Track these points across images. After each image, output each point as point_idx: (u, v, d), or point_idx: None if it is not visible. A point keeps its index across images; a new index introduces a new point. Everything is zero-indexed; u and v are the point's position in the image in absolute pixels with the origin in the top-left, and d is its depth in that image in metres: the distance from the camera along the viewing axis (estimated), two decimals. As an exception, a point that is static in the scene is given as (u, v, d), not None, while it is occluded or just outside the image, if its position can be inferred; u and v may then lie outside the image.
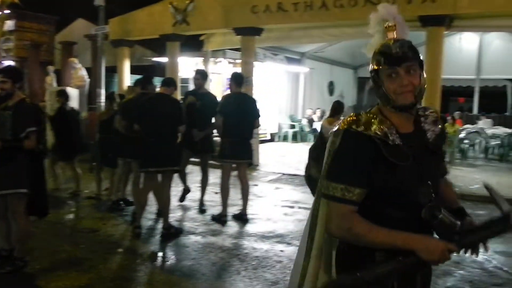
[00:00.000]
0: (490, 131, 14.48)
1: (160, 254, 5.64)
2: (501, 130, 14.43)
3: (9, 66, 6.28)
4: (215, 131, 7.22)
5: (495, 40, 18.26)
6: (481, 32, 17.40)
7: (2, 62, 19.38)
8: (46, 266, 5.12)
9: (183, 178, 7.66)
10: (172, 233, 6.23)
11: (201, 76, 7.43)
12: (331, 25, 12.15)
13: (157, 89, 6.86)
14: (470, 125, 16.02)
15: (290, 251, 5.70)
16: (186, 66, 14.56)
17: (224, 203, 6.94)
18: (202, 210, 7.51)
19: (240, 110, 6.70)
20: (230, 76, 7.15)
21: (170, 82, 6.47)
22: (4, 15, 15.73)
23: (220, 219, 6.86)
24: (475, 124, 16.16)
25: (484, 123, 15.90)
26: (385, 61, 2.00)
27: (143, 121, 6.18)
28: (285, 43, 15.77)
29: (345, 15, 10.60)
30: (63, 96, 8.43)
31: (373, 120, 1.96)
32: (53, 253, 5.51)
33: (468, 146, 13.92)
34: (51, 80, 16.54)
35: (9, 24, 18.09)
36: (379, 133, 1.92)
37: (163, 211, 6.37)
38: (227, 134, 6.77)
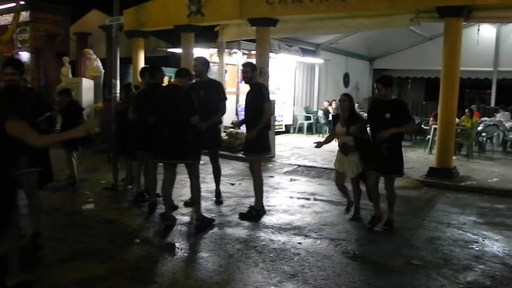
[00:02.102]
0: (508, 124, 14.30)
1: (177, 245, 5.61)
2: (520, 123, 14.26)
3: (15, 58, 6.43)
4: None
5: (513, 31, 18.04)
6: (499, 23, 17.15)
7: (18, 53, 19.52)
8: (64, 256, 5.12)
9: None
10: (206, 224, 6.23)
11: (201, 63, 7.14)
12: (347, 16, 12.04)
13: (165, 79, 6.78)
14: (488, 118, 15.83)
15: (308, 243, 5.65)
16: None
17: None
18: (219, 201, 7.48)
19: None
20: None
21: (183, 73, 6.40)
22: (19, 6, 15.78)
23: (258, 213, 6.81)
24: (493, 117, 15.97)
25: (502, 116, 15.71)
26: None
27: (156, 113, 6.17)
28: (300, 34, 15.64)
29: (362, 6, 10.47)
30: (66, 93, 8.79)
31: None
32: (70, 244, 5.51)
33: (486, 139, 13.74)
34: (66, 71, 16.62)
35: (24, 15, 18.14)
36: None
37: (194, 202, 6.40)
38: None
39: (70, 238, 5.71)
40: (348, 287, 4.50)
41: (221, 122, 7.57)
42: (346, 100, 6.60)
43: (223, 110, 7.10)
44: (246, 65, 6.98)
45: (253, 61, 11.50)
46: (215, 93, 7.00)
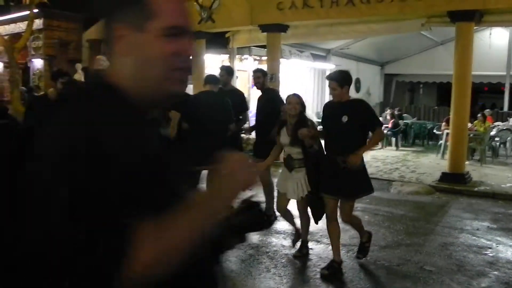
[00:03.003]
0: (521, 129, 14.19)
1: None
2: (533, 128, 14.13)
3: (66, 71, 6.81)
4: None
5: (526, 35, 17.91)
6: (511, 27, 17.05)
7: (31, 60, 19.73)
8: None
9: None
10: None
11: (226, 72, 7.19)
12: (357, 21, 12.06)
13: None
14: (501, 122, 15.71)
15: (320, 249, 5.65)
16: (212, 63, 14.57)
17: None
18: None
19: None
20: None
21: (216, 80, 6.41)
22: (33, 14, 15.96)
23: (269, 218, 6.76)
24: (506, 121, 15.85)
25: (515, 121, 15.60)
26: None
27: (191, 119, 6.12)
28: (311, 40, 15.67)
29: (372, 11, 10.47)
30: None
31: None
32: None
33: (499, 144, 13.64)
34: (79, 78, 16.75)
35: (38, 23, 18.36)
36: None
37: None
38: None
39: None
40: (360, 293, 4.49)
41: (241, 130, 7.55)
42: (294, 102, 5.27)
43: (245, 120, 7.13)
44: (257, 71, 7.03)
45: (264, 67, 11.54)
46: (238, 102, 7.00)
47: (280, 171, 5.51)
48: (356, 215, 5.33)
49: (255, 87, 7.26)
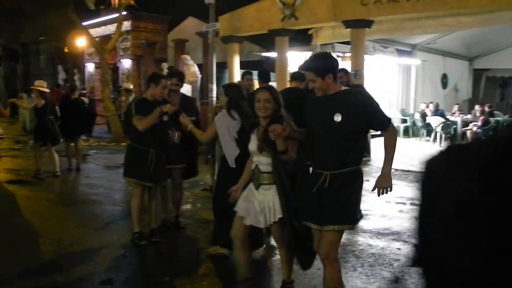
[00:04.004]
0: None
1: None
2: None
3: (179, 71, 7.32)
4: None
5: None
6: None
7: (120, 60, 20.60)
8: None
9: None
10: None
11: (344, 73, 6.93)
12: (446, 14, 11.63)
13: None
14: None
15: (408, 249, 5.49)
16: (295, 60, 14.56)
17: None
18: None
19: None
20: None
21: (301, 76, 6.43)
22: (121, 17, 16.68)
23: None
24: None
25: None
26: None
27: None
28: (396, 35, 15.28)
29: (462, 4, 10.05)
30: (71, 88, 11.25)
31: None
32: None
33: None
34: (165, 77, 17.29)
35: (126, 25, 19.17)
36: None
37: None
38: None
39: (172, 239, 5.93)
40: (452, 296, 4.31)
41: None
42: (264, 99, 3.87)
43: None
44: (339, 71, 6.92)
45: (348, 63, 11.39)
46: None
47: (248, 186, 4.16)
48: (338, 261, 3.78)
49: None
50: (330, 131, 3.47)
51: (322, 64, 3.55)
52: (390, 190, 3.57)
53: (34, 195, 8.23)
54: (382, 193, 3.57)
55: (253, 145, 3.96)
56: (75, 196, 8.50)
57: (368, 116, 3.48)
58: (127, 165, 5.60)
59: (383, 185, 3.53)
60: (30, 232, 6.15)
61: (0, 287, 4.41)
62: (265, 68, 6.80)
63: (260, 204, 3.91)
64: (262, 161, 3.91)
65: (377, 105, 3.58)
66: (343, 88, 3.64)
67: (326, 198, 3.49)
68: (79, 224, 6.46)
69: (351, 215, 3.59)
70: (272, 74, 8.60)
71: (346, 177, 3.49)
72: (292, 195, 3.78)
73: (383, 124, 3.59)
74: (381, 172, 3.58)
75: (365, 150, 7.02)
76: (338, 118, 3.42)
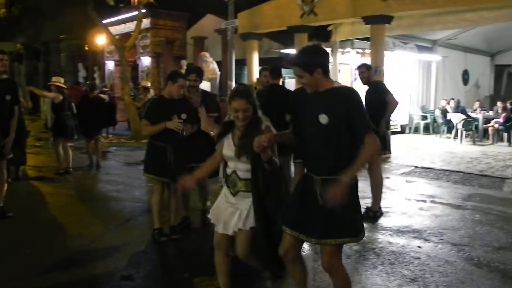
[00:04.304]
0: None
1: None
2: None
3: (198, 67, 6.96)
4: None
5: None
6: None
7: (140, 58, 20.74)
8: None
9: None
10: (378, 217, 6.47)
11: (366, 68, 6.95)
12: (467, 9, 11.49)
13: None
14: None
15: (428, 247, 5.45)
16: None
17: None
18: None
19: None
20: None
21: None
22: (141, 15, 16.79)
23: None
24: None
25: None
26: None
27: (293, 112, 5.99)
28: (416, 31, 15.13)
29: (484, -2, 9.93)
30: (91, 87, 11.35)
31: None
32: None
33: None
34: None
35: (146, 23, 19.30)
36: None
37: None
38: None
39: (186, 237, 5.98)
40: (474, 295, 4.28)
41: None
42: (239, 107, 3.51)
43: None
44: (361, 66, 6.96)
45: (368, 59, 11.31)
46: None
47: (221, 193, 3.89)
48: (343, 270, 3.41)
49: (357, 81, 7.14)
50: (318, 133, 3.15)
51: (310, 58, 3.18)
52: (342, 204, 2.98)
53: (56, 191, 8.33)
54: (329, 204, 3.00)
55: (228, 151, 3.63)
56: (96, 193, 8.58)
57: (347, 118, 3.06)
58: (147, 162, 5.64)
59: (333, 197, 2.96)
60: (55, 227, 6.24)
61: (25, 281, 4.49)
62: (277, 66, 6.75)
63: (234, 205, 3.67)
64: (240, 168, 3.61)
65: (362, 110, 3.14)
66: (336, 85, 3.24)
67: (319, 208, 3.13)
68: (100, 220, 6.54)
69: (351, 227, 3.21)
70: (290, 71, 8.57)
71: (335, 180, 3.03)
72: (268, 204, 3.52)
73: (361, 131, 3.08)
74: (339, 182, 3.00)
75: (386, 148, 6.94)
76: (324, 120, 3.09)
